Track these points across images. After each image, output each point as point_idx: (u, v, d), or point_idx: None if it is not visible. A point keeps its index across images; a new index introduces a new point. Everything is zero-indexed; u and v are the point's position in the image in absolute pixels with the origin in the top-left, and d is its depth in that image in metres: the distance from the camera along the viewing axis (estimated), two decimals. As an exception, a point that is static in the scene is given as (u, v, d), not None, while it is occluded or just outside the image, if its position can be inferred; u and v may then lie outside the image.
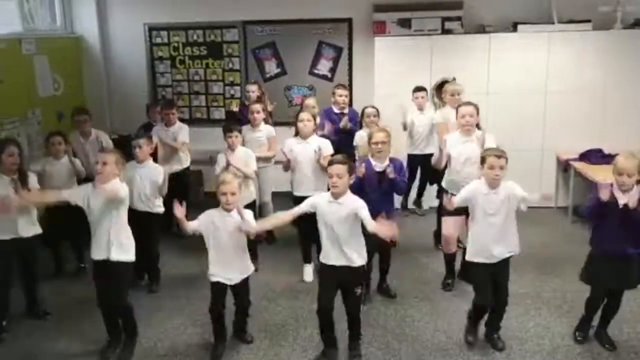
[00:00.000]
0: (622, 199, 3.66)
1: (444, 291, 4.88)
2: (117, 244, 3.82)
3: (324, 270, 3.82)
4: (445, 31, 6.77)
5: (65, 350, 4.15)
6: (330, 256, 3.74)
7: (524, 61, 6.62)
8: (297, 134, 5.11)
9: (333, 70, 7.49)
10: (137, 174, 4.75)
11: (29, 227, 4.35)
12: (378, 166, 4.43)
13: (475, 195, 3.83)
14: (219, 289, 3.90)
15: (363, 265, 3.80)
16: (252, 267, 4.03)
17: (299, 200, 4.93)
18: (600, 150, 6.40)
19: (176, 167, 5.88)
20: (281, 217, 3.97)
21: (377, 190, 4.36)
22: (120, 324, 4.03)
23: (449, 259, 4.95)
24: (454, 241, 4.87)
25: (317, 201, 3.76)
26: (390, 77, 6.74)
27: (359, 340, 3.96)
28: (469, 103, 4.68)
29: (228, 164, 4.85)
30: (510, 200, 3.77)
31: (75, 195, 3.90)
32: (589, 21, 6.61)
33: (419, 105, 6.22)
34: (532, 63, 6.62)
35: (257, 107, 5.63)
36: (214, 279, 3.89)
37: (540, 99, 6.69)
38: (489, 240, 3.82)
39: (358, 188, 4.24)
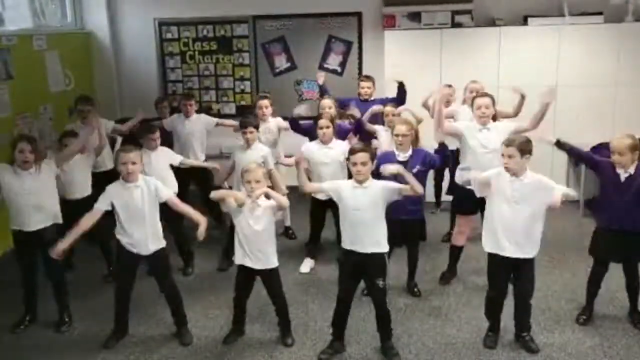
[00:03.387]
0: (622, 175, 3.92)
1: (444, 285, 4.90)
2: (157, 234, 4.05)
3: (345, 256, 3.85)
4: (455, 25, 6.75)
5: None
6: (350, 242, 3.76)
7: (534, 55, 6.58)
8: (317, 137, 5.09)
9: (343, 64, 7.48)
10: (153, 160, 4.90)
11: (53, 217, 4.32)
12: (401, 156, 4.44)
13: (499, 179, 3.75)
14: (243, 273, 3.98)
15: (383, 254, 3.76)
16: (276, 260, 4.02)
17: (317, 202, 5.04)
18: (611, 144, 6.34)
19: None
20: (307, 185, 4.11)
21: (400, 181, 4.32)
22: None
23: (455, 252, 4.96)
24: (464, 236, 4.89)
25: (342, 187, 3.81)
26: (400, 70, 6.70)
27: (390, 340, 3.91)
28: (485, 94, 4.69)
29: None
30: (535, 195, 3.67)
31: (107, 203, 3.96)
32: (600, 14, 6.56)
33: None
34: (543, 56, 6.58)
35: (266, 102, 5.68)
36: (238, 262, 3.97)
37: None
38: (502, 232, 3.75)
39: (376, 177, 4.31)
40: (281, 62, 7.59)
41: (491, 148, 4.45)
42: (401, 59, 6.76)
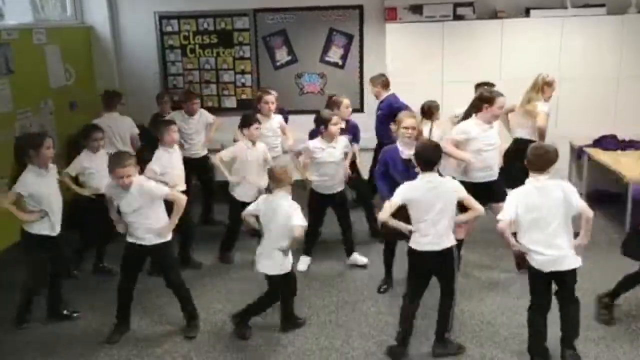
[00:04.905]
0: None
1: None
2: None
3: (418, 257, 3.70)
4: (457, 17, 6.71)
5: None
6: (429, 242, 3.63)
7: (536, 47, 6.55)
8: (320, 134, 4.96)
9: (344, 57, 7.45)
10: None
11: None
12: (405, 153, 4.39)
13: None
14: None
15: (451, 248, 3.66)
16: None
17: (317, 197, 5.03)
18: (614, 136, 6.33)
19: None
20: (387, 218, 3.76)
21: (405, 177, 4.09)
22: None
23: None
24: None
25: (413, 189, 3.65)
26: (402, 63, 6.70)
27: (447, 333, 3.82)
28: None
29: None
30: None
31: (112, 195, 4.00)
32: (603, 5, 6.52)
33: None
34: (545, 49, 6.55)
35: (271, 97, 5.69)
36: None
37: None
38: None
39: (383, 174, 4.43)
40: (282, 55, 7.56)
41: (495, 145, 4.64)
42: (403, 52, 6.74)
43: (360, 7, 7.29)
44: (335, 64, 7.49)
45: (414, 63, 6.63)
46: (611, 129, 6.39)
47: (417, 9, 6.76)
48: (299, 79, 7.59)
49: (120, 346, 4.06)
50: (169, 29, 7.63)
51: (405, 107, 5.42)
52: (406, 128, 4.43)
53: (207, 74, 7.73)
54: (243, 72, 7.68)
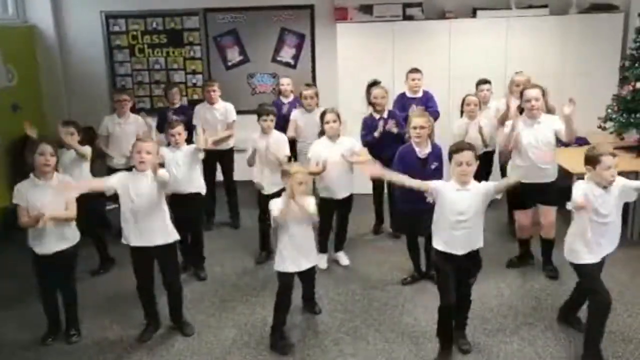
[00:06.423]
0: None
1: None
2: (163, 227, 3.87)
3: (444, 260, 3.59)
4: (407, 17, 6.81)
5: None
6: (455, 245, 3.52)
7: (483, 46, 6.71)
8: (323, 133, 4.85)
9: (296, 57, 7.46)
10: (175, 158, 4.72)
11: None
12: (420, 152, 4.35)
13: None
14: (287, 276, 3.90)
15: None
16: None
17: (325, 201, 4.87)
18: (558, 134, 6.52)
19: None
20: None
21: (420, 176, 3.89)
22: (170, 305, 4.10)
23: (523, 243, 4.97)
24: (528, 228, 4.88)
25: (443, 189, 3.54)
26: (353, 63, 6.75)
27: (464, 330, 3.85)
28: (534, 85, 4.63)
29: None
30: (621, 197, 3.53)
31: (116, 184, 3.81)
32: (545, 6, 6.74)
33: (483, 99, 5.86)
34: (492, 48, 6.72)
35: (311, 92, 5.63)
36: (285, 269, 3.90)
37: (500, 83, 6.77)
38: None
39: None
40: (233, 55, 7.51)
41: (544, 142, 4.52)
42: (354, 51, 6.78)
43: (311, 7, 7.31)
44: (288, 64, 7.48)
45: (365, 62, 6.68)
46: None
47: (367, 9, 6.82)
48: (251, 79, 7.55)
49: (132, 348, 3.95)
50: (117, 28, 7.47)
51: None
52: (414, 128, 4.34)
53: (156, 74, 7.60)
54: (194, 73, 7.59)
